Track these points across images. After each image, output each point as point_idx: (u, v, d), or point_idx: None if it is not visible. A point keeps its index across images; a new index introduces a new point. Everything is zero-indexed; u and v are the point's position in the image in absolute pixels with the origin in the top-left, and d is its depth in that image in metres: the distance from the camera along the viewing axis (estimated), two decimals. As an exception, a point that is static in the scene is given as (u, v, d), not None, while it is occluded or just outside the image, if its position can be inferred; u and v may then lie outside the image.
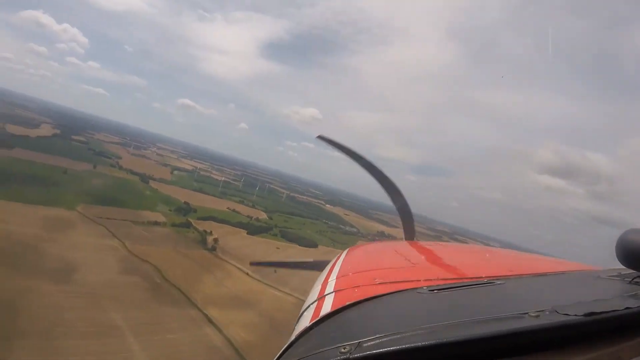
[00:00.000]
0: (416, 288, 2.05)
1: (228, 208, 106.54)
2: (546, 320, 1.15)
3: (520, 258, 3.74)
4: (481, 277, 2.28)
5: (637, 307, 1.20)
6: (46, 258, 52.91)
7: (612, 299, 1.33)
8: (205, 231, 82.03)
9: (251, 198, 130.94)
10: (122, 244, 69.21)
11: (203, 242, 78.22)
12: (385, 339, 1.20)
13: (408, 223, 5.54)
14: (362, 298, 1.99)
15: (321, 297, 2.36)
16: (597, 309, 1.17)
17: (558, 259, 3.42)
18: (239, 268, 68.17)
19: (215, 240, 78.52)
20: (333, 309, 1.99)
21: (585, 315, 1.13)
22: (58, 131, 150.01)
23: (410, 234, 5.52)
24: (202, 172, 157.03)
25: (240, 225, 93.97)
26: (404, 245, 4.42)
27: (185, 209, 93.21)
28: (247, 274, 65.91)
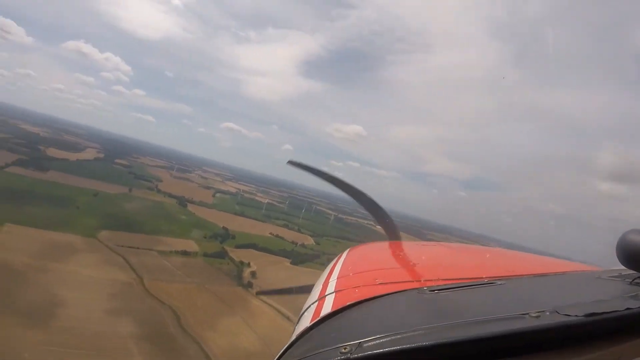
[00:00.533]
0: (417, 288, 2.06)
1: (271, 233, 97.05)
2: (547, 320, 1.15)
3: (520, 258, 3.76)
4: (482, 278, 2.24)
5: (638, 307, 1.19)
6: (29, 292, 41.93)
7: (613, 299, 1.32)
8: (242, 262, 71.50)
9: (297, 221, 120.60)
10: (138, 279, 56.90)
11: (238, 276, 67.21)
12: (385, 339, 1.20)
13: (389, 225, 5.37)
14: (362, 298, 2.00)
15: (322, 298, 2.37)
16: (598, 309, 1.16)
17: (558, 259, 3.38)
18: (278, 311, 52.64)
19: (253, 273, 67.92)
20: (334, 309, 2.00)
21: (586, 315, 1.13)
22: (102, 155, 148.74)
23: (394, 235, 5.22)
24: (246, 195, 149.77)
25: (283, 253, 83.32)
26: (404, 246, 4.24)
27: (222, 235, 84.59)
28: (288, 318, 49.58)
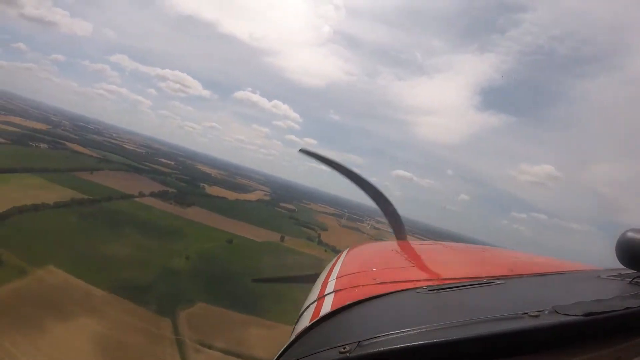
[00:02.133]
0: (416, 288, 2.06)
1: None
2: (546, 320, 1.15)
3: (520, 258, 3.63)
4: (481, 277, 2.25)
5: (637, 307, 1.19)
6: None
7: (612, 299, 1.32)
8: None
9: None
10: None
11: None
12: (384, 339, 1.20)
13: (397, 224, 5.41)
14: (361, 298, 2.00)
15: (321, 297, 2.38)
16: (597, 309, 1.16)
17: (558, 259, 3.39)
18: None
19: None
20: (333, 309, 2.00)
21: (585, 315, 1.13)
22: (267, 198, 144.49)
23: (401, 235, 5.29)
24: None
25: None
26: (403, 245, 4.14)
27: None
28: None
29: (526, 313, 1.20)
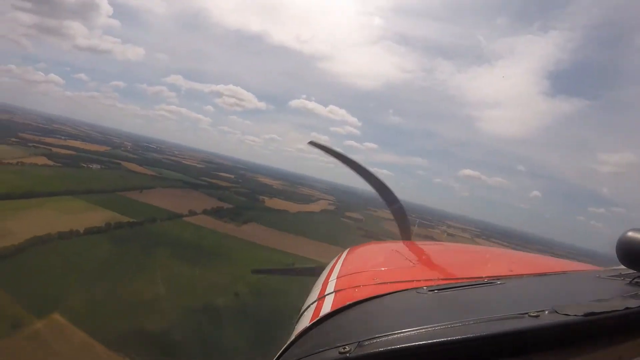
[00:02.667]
0: (416, 288, 2.06)
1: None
2: (546, 320, 1.15)
3: (520, 258, 3.70)
4: (481, 277, 2.26)
5: (637, 307, 1.19)
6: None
7: (612, 299, 1.32)
8: None
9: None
10: None
11: None
12: (385, 339, 1.21)
13: (403, 224, 5.54)
14: (362, 298, 2.01)
15: (321, 297, 2.39)
16: (597, 309, 1.16)
17: (558, 259, 3.41)
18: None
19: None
20: (333, 309, 2.01)
21: (585, 315, 1.13)
22: (332, 207, 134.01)
23: (406, 234, 5.46)
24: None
25: None
26: (404, 245, 4.25)
27: None
28: None
29: (526, 313, 1.20)
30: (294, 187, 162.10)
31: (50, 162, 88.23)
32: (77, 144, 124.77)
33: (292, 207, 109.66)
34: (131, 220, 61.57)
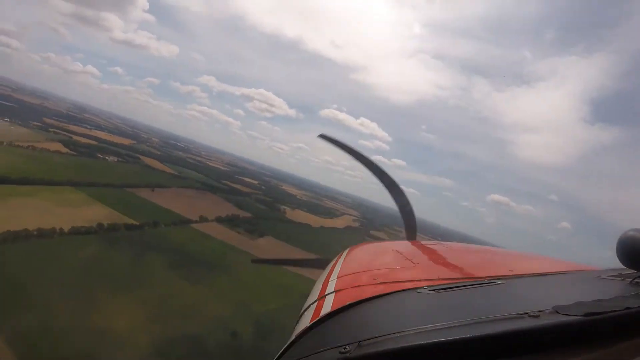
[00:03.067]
0: (416, 288, 2.07)
1: None
2: (546, 320, 1.16)
3: (520, 258, 3.67)
4: (481, 277, 2.28)
5: (638, 307, 1.20)
6: None
7: (613, 299, 1.32)
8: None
9: None
10: None
11: None
12: (385, 339, 1.22)
13: (410, 223, 5.55)
14: (362, 298, 2.02)
15: (321, 297, 2.38)
16: (598, 309, 1.17)
17: (558, 259, 3.40)
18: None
19: None
20: (333, 309, 2.01)
21: (586, 315, 1.14)
22: (356, 224, 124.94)
23: (411, 234, 5.49)
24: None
25: None
26: (404, 245, 4.25)
27: None
28: None
29: (527, 313, 1.21)
30: (318, 198, 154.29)
31: (65, 150, 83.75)
32: (101, 134, 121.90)
33: (315, 220, 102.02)
34: (131, 222, 54.19)
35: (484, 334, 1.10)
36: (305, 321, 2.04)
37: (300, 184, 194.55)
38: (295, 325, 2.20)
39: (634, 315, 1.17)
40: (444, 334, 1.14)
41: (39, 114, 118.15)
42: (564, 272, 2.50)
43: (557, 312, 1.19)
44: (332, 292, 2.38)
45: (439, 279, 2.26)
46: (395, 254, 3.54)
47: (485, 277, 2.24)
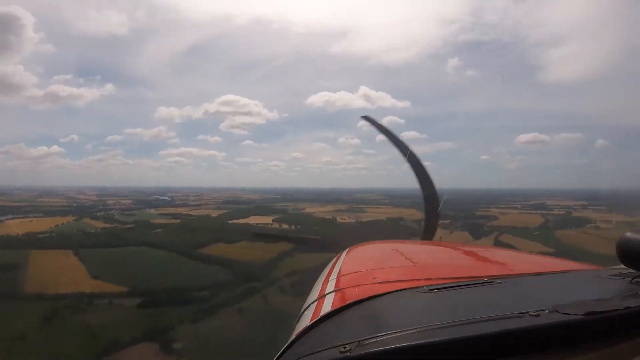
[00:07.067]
0: (416, 287, 2.08)
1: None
2: (546, 319, 1.16)
3: (520, 257, 3.77)
4: (481, 277, 2.28)
5: (638, 307, 1.21)
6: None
7: (613, 298, 1.35)
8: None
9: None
10: None
11: None
12: (385, 338, 1.22)
13: (432, 224, 5.53)
14: (362, 297, 2.02)
15: (321, 297, 2.41)
16: (598, 308, 1.18)
17: (558, 258, 3.50)
18: None
19: None
20: (333, 308, 2.02)
21: (586, 314, 1.14)
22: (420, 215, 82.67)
23: (429, 235, 5.40)
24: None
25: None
26: (404, 245, 4.31)
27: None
28: None
29: (527, 312, 1.21)
30: (355, 207, 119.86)
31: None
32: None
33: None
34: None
35: (484, 333, 1.10)
36: (306, 320, 2.03)
37: (318, 198, 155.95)
38: (296, 324, 2.18)
39: (634, 315, 1.16)
40: (444, 333, 1.14)
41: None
42: (564, 272, 2.48)
43: (557, 312, 1.18)
44: (332, 292, 2.38)
45: (438, 279, 2.23)
46: (395, 253, 3.50)
47: (485, 276, 2.22)
